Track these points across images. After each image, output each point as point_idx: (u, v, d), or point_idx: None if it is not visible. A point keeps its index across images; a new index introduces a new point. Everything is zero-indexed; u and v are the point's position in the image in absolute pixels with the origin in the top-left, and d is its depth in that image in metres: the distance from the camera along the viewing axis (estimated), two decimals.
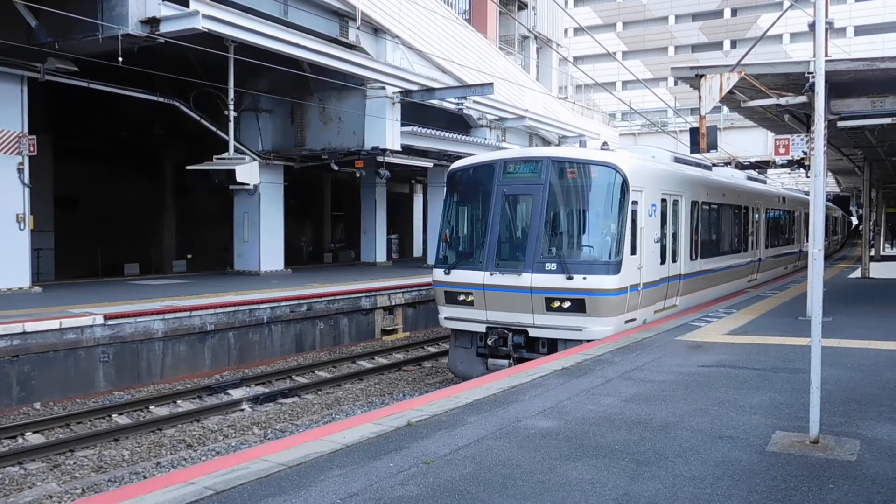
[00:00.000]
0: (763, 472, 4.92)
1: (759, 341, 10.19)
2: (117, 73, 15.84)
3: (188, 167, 18.64)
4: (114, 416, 10.94)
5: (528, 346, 11.04)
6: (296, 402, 12.28)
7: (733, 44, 77.52)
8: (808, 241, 25.69)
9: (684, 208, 13.49)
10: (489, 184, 11.52)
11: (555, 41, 41.85)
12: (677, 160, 14.99)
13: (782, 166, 38.51)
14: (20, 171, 15.80)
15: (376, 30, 22.03)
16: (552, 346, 10.91)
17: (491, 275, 11.16)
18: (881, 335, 10.62)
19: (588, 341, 10.31)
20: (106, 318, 12.12)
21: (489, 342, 11.15)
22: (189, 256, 26.00)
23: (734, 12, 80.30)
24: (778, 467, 5.00)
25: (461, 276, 11.58)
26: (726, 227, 16.97)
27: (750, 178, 21.57)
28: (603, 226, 11.04)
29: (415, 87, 21.45)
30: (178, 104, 19.09)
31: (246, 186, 18.24)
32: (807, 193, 27.35)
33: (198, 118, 19.57)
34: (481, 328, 11.42)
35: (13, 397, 10.97)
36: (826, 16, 6.75)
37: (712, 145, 12.10)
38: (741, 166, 35.38)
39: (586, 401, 6.89)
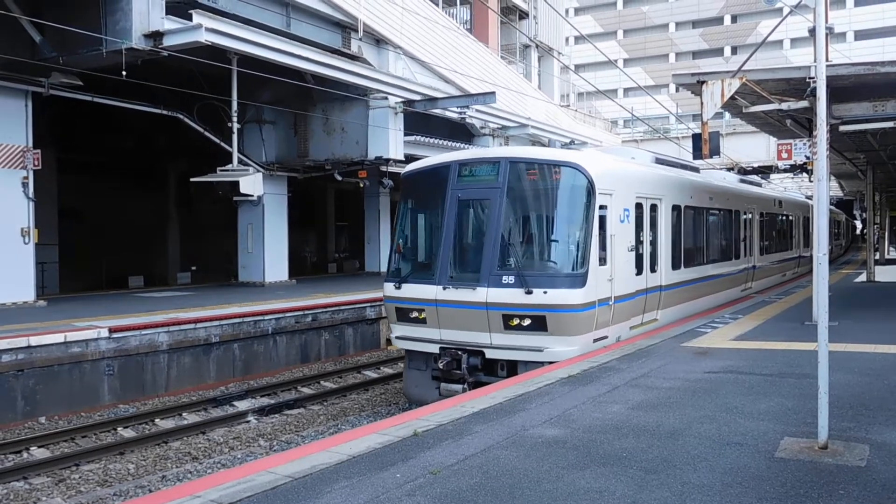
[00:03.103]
0: (772, 478, 4.89)
1: (765, 346, 10.15)
2: (121, 86, 15.92)
3: (192, 179, 18.70)
4: (119, 429, 10.93)
5: (487, 369, 10.01)
6: (301, 414, 12.26)
7: (734, 50, 77.64)
8: (807, 246, 25.44)
9: (664, 213, 12.48)
10: (443, 188, 10.47)
11: (556, 49, 41.94)
12: (659, 161, 14.07)
13: (785, 171, 38.44)
14: (25, 185, 15.86)
15: (378, 40, 22.13)
16: (512, 368, 9.85)
17: (444, 289, 10.09)
18: (888, 339, 10.57)
19: (550, 363, 9.31)
20: (111, 330, 12.13)
21: (441, 365, 10.07)
22: (193, 268, 26.03)
23: (734, 19, 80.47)
24: (787, 474, 4.97)
25: (412, 290, 10.52)
26: (715, 232, 15.85)
27: (743, 181, 20.64)
28: (566, 233, 10.01)
29: (417, 97, 21.52)
30: (181, 116, 19.17)
31: (250, 197, 18.29)
32: (809, 198, 27.30)
33: (201, 130, 19.64)
34: (435, 349, 10.33)
35: (18, 411, 10.96)
36: (826, 21, 6.76)
37: (715, 151, 12.11)
38: (744, 171, 35.32)
39: (593, 409, 6.86)
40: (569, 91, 47.78)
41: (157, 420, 11.41)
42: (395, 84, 20.79)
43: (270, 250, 22.17)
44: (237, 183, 17.49)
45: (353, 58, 20.45)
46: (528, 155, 10.78)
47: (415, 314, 10.52)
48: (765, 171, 39.15)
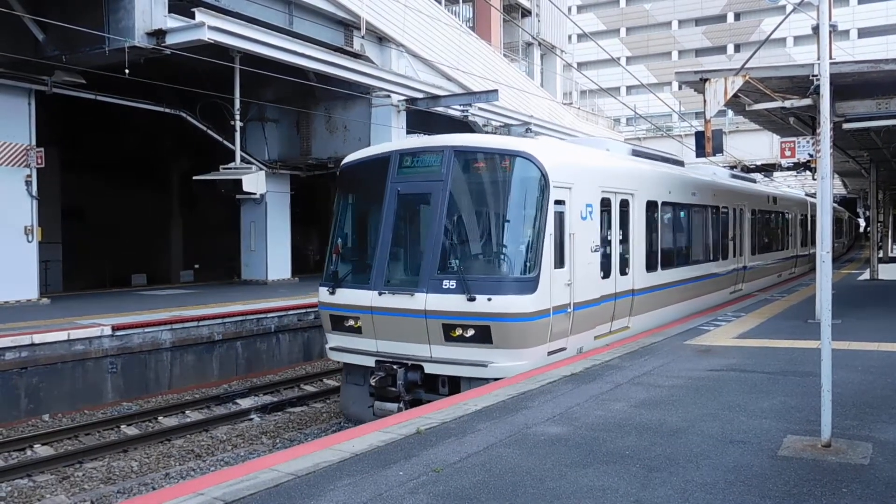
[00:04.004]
0: (775, 476, 4.89)
1: (768, 344, 10.15)
2: (124, 85, 15.94)
3: (195, 177, 18.73)
4: (122, 427, 10.95)
5: (427, 385, 8.98)
6: (304, 411, 12.28)
7: (737, 48, 77.54)
8: (804, 245, 25.05)
9: (638, 209, 11.41)
10: (382, 182, 9.41)
11: (559, 47, 41.91)
12: (637, 154, 13.01)
13: (788, 169, 38.48)
14: (28, 183, 15.90)
15: (381, 39, 22.12)
16: (454, 385, 8.80)
17: (380, 295, 9.07)
18: (892, 337, 10.56)
19: (496, 380, 8.26)
20: (114, 328, 12.15)
21: (373, 381, 8.99)
22: (196, 266, 26.07)
23: (737, 16, 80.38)
24: (790, 472, 4.97)
25: (347, 296, 9.50)
26: (699, 231, 14.70)
27: (735, 176, 19.55)
28: (514, 232, 8.96)
29: (420, 95, 21.51)
30: (184, 115, 19.18)
31: (252, 196, 18.31)
32: (811, 195, 27.24)
33: (204, 128, 19.66)
34: (371, 361, 9.25)
35: (22, 409, 10.99)
36: (829, 18, 6.76)
37: (718, 149, 12.10)
38: (746, 169, 35.33)
39: (596, 406, 6.86)
40: (571, 89, 47.76)
41: (160, 418, 11.43)
42: (397, 82, 20.79)
43: (273, 248, 22.20)
44: (240, 181, 17.50)
45: (356, 56, 20.45)
46: (475, 143, 9.66)
47: (350, 322, 9.50)
48: (768, 168, 39.16)
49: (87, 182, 23.90)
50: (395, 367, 8.93)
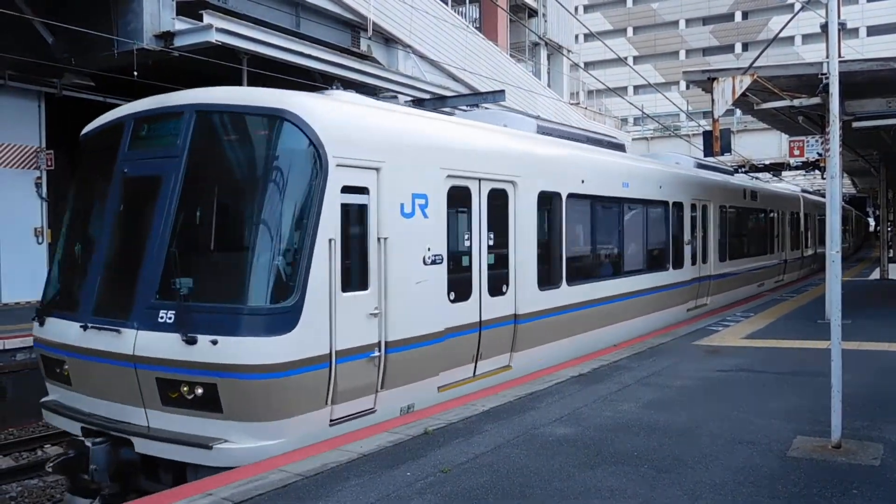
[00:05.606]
0: (785, 477, 4.86)
1: (777, 345, 10.11)
2: (133, 86, 16.00)
3: None
4: None
5: (147, 469, 5.95)
6: None
7: (745, 46, 77.25)
8: (795, 247, 24.15)
9: (523, 203, 8.44)
10: (111, 160, 6.62)
11: (566, 47, 41.85)
12: (546, 132, 10.14)
13: (797, 168, 38.30)
14: (38, 185, 16.00)
15: (387, 39, 22.16)
16: (179, 472, 5.76)
17: (84, 330, 6.15)
18: None
19: (229, 469, 5.32)
20: None
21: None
22: None
23: (745, 15, 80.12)
24: (800, 473, 4.95)
25: (54, 329, 6.64)
26: (633, 233, 11.57)
27: (701, 166, 15.92)
28: (266, 237, 5.89)
29: (426, 96, 21.49)
30: None
31: None
32: (810, 192, 27.09)
33: None
34: (77, 428, 6.29)
35: (32, 410, 11.03)
36: (838, 17, 6.73)
37: (726, 148, 12.07)
38: (755, 168, 35.18)
39: (604, 407, 6.85)
40: (578, 89, 47.68)
41: None
42: (404, 83, 20.80)
43: None
44: None
45: (363, 57, 20.48)
46: (225, 100, 6.47)
47: (60, 368, 6.61)
48: (777, 168, 38.99)
49: None
50: (87, 442, 5.95)
